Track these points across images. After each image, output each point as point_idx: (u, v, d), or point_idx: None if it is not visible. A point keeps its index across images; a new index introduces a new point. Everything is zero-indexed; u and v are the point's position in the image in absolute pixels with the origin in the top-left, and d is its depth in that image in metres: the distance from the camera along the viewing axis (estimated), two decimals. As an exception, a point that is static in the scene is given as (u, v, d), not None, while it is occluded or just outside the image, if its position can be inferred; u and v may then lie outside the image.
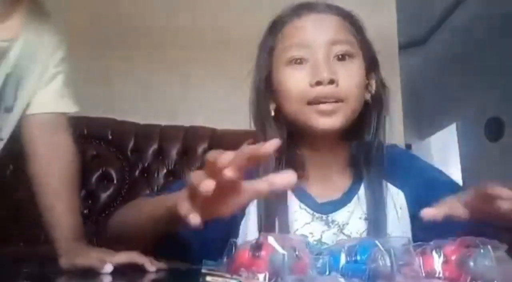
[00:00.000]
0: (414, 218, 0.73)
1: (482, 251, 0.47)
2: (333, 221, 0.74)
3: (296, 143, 0.76)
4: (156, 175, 1.72)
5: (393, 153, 0.80)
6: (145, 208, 0.71)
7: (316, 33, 0.73)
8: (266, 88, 0.77)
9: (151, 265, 0.74)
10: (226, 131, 1.77)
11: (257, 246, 0.48)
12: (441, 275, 0.49)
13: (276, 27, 0.78)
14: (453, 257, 0.49)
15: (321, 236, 0.73)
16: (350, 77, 0.71)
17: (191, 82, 2.09)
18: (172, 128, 1.80)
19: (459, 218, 0.55)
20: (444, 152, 5.08)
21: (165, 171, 1.73)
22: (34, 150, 0.90)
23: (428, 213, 0.55)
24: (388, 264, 0.47)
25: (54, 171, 0.90)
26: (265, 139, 0.66)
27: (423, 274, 0.49)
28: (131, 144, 1.75)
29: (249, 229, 0.74)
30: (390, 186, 0.76)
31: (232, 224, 0.75)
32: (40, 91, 0.89)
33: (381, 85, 0.79)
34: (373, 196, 0.73)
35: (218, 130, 1.79)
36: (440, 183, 0.78)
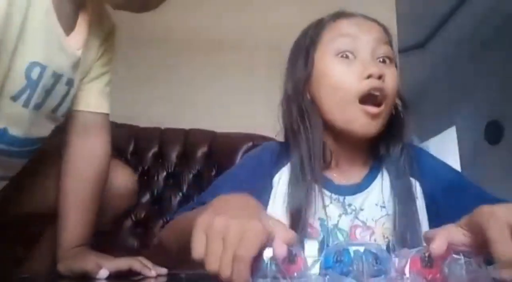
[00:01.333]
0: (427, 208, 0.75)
1: (457, 258, 0.48)
2: (349, 205, 0.74)
3: (324, 133, 0.75)
4: (156, 178, 1.72)
5: (412, 148, 0.81)
6: (180, 224, 0.71)
7: (363, 30, 0.74)
8: (305, 84, 0.76)
9: (150, 271, 0.74)
10: (225, 134, 1.78)
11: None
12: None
13: (321, 24, 0.79)
14: (440, 262, 0.50)
15: (338, 221, 0.73)
16: (391, 79, 0.73)
17: (193, 84, 2.09)
18: (172, 131, 1.80)
19: (461, 245, 0.52)
20: (444, 154, 5.09)
21: (165, 173, 1.73)
22: (74, 148, 0.90)
23: (434, 248, 0.51)
24: (362, 268, 0.49)
25: (87, 172, 0.90)
26: (304, 132, 0.71)
27: (407, 276, 0.50)
28: (131, 147, 1.75)
29: (275, 210, 0.74)
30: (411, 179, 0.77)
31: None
32: (86, 89, 0.88)
33: (400, 96, 0.81)
34: (399, 188, 0.73)
35: (218, 133, 1.79)
36: (455, 184, 0.79)
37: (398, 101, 0.78)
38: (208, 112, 2.02)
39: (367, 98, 0.70)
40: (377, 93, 0.70)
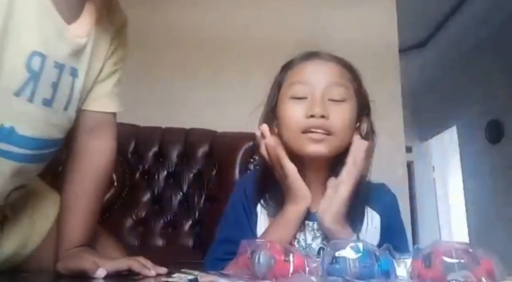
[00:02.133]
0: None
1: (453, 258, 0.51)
2: (317, 229, 0.85)
3: (295, 159, 0.86)
4: (156, 177, 1.72)
5: (381, 188, 0.94)
6: None
7: (317, 76, 0.87)
8: (272, 117, 0.90)
9: (150, 271, 0.74)
10: (226, 133, 1.78)
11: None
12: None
13: (287, 66, 0.93)
14: (438, 262, 0.51)
15: (311, 243, 0.85)
16: (340, 116, 0.84)
17: (194, 84, 2.09)
18: (172, 130, 1.80)
19: None
20: (445, 153, 5.08)
21: (165, 173, 1.74)
22: (80, 146, 0.89)
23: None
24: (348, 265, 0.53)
25: (91, 171, 0.89)
26: (269, 158, 0.85)
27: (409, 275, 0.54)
28: (131, 146, 1.75)
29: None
30: (369, 209, 0.89)
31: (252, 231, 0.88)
32: (96, 88, 0.87)
33: (371, 130, 0.91)
34: (354, 213, 0.85)
35: (218, 132, 1.79)
36: (395, 234, 0.90)
37: (357, 136, 0.87)
38: (209, 111, 2.02)
39: (310, 131, 0.83)
40: (318, 130, 0.82)
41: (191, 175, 1.72)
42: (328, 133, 0.82)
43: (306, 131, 0.82)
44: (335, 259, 0.55)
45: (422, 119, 5.07)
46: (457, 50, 4.11)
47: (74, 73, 0.79)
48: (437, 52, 4.29)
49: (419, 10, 3.44)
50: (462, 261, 0.51)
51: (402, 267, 0.57)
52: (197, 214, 1.66)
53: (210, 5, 2.17)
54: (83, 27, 0.78)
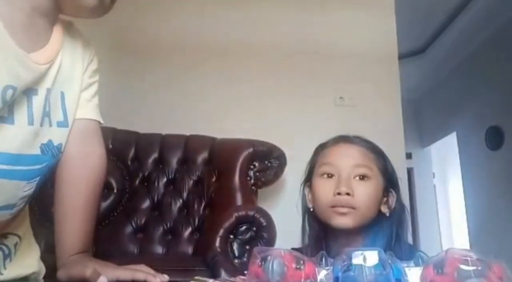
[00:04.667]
0: None
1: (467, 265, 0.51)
2: None
3: (325, 231, 1.00)
4: (156, 184, 1.72)
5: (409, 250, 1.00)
6: None
7: (343, 158, 1.00)
8: (308, 192, 1.04)
9: (155, 279, 0.74)
10: (225, 140, 1.78)
11: None
12: None
13: (320, 148, 1.06)
14: (451, 270, 0.51)
15: None
16: (364, 192, 0.96)
17: (193, 91, 2.09)
18: (172, 137, 1.80)
19: None
20: (445, 160, 5.08)
21: (165, 179, 1.73)
22: (68, 154, 0.89)
23: None
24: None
25: (82, 178, 0.89)
26: (304, 227, 1.02)
27: None
28: (131, 153, 1.75)
29: None
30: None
31: None
32: (80, 100, 0.89)
33: (401, 203, 1.02)
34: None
35: (218, 139, 1.79)
36: None
37: (386, 210, 0.99)
38: (208, 118, 2.02)
39: (337, 206, 0.95)
40: (343, 205, 0.94)
41: (191, 182, 1.72)
42: (353, 207, 0.94)
43: (333, 206, 0.94)
44: (350, 267, 0.55)
45: (422, 126, 5.07)
46: (456, 57, 4.12)
47: (28, 92, 0.80)
48: (436, 58, 4.30)
49: (419, 17, 3.45)
50: (479, 268, 0.51)
51: (410, 275, 0.57)
52: (196, 221, 1.66)
53: (205, 15, 2.17)
54: (48, 54, 0.80)
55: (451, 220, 4.91)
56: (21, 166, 0.78)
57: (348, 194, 0.94)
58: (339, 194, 0.94)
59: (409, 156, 4.44)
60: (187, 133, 1.82)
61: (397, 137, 2.16)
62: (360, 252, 0.56)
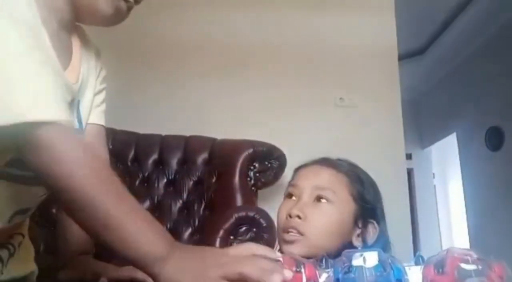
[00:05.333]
0: None
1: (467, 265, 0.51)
2: None
3: None
4: (156, 185, 1.72)
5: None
6: None
7: (307, 179, 0.90)
8: None
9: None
10: (225, 141, 1.78)
11: None
12: None
13: (294, 171, 0.97)
14: (451, 269, 0.51)
15: None
16: (318, 218, 0.85)
17: (193, 92, 2.09)
18: (172, 137, 1.80)
19: None
20: (445, 161, 5.08)
21: (165, 180, 1.73)
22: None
23: None
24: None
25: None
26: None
27: None
28: (131, 154, 1.75)
29: None
30: None
31: None
32: (92, 106, 0.90)
33: (386, 238, 0.89)
34: None
35: (218, 140, 1.79)
36: None
37: (357, 242, 0.87)
38: (208, 119, 2.02)
39: (287, 231, 0.86)
40: (291, 229, 0.85)
41: (191, 183, 1.72)
42: (301, 233, 0.83)
43: (284, 231, 0.85)
44: (350, 269, 0.54)
45: (422, 127, 5.07)
46: (456, 57, 4.12)
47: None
48: (436, 59, 4.30)
49: (418, 17, 3.45)
50: (479, 267, 0.50)
51: (411, 274, 0.57)
52: (197, 222, 1.66)
53: (209, 14, 2.17)
54: (73, 74, 0.79)
55: (451, 220, 4.91)
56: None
57: (299, 217, 0.84)
58: (289, 216, 0.85)
59: (409, 156, 4.44)
60: (187, 134, 1.82)
61: (397, 138, 2.16)
62: (359, 253, 0.56)
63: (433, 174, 5.28)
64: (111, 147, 1.67)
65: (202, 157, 1.74)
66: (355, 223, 0.86)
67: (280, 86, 2.11)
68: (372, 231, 0.87)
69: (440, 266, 0.53)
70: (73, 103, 0.79)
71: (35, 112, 0.58)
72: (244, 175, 1.64)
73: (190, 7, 2.15)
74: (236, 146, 1.70)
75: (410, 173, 4.91)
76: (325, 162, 0.93)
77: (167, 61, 2.10)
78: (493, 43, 3.64)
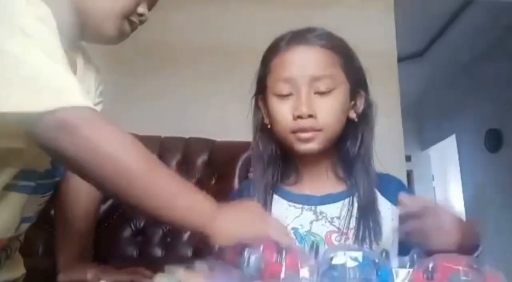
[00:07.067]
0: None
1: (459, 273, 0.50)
2: (321, 213, 0.83)
3: (288, 151, 0.88)
4: (155, 187, 1.72)
5: (389, 177, 0.94)
6: None
7: (301, 70, 0.83)
8: (263, 107, 0.90)
9: None
10: (225, 142, 1.77)
11: None
12: None
13: (270, 55, 0.88)
14: (442, 277, 0.50)
15: (310, 227, 0.82)
16: (328, 110, 0.82)
17: (193, 93, 2.10)
18: (171, 139, 1.80)
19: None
20: (444, 162, 5.08)
21: (164, 182, 1.73)
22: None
23: (405, 199, 0.69)
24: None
25: (82, 187, 0.91)
26: (259, 149, 0.89)
27: None
28: (130, 156, 1.75)
29: None
30: (384, 199, 0.86)
31: None
32: None
33: (368, 103, 0.90)
34: (365, 201, 0.83)
35: (217, 141, 1.79)
36: None
37: (353, 116, 0.87)
38: (208, 120, 2.02)
39: (299, 131, 0.82)
40: (306, 130, 0.81)
41: (190, 184, 1.72)
42: (318, 130, 0.82)
43: (295, 131, 0.82)
44: (332, 266, 0.53)
45: (422, 128, 5.08)
46: (455, 59, 4.13)
47: None
48: (435, 61, 4.31)
49: (417, 20, 3.46)
50: (468, 278, 0.49)
51: (400, 277, 0.56)
52: (196, 224, 1.65)
53: (210, 13, 2.18)
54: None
55: (451, 223, 4.91)
56: (41, 181, 0.80)
57: (310, 116, 0.81)
58: (299, 117, 0.81)
59: (408, 158, 4.44)
60: (186, 135, 1.82)
61: (396, 140, 2.16)
62: (342, 252, 0.54)
63: (432, 175, 5.28)
64: (110, 148, 1.67)
65: (201, 159, 1.74)
66: (349, 99, 0.87)
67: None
68: (360, 100, 0.89)
69: (429, 272, 0.52)
70: None
71: (69, 98, 0.60)
72: (243, 176, 1.63)
73: (195, 10, 2.15)
74: (235, 148, 1.69)
75: (409, 174, 4.91)
76: (307, 41, 0.86)
77: (167, 62, 2.10)
78: (493, 45, 3.65)
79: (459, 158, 4.38)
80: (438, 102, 4.69)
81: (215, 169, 1.70)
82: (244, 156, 1.65)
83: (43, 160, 0.79)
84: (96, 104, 0.94)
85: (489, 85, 3.68)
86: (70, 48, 0.79)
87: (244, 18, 2.17)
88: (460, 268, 0.50)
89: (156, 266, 0.81)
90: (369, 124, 0.89)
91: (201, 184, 1.72)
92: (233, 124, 2.05)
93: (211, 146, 1.77)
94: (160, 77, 2.08)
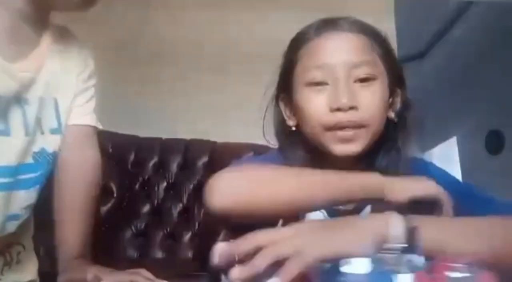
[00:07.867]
0: None
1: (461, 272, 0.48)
2: None
3: (318, 157, 0.74)
4: (156, 188, 1.72)
5: (417, 162, 0.81)
6: None
7: (337, 55, 0.70)
8: (288, 104, 0.76)
9: None
10: (226, 144, 1.78)
11: None
12: None
13: (297, 44, 0.77)
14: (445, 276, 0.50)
15: None
16: (372, 101, 0.69)
17: (194, 95, 2.09)
18: (172, 141, 1.80)
19: None
20: (445, 164, 5.07)
21: (165, 184, 1.73)
22: (64, 160, 0.89)
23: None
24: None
25: (78, 183, 0.90)
26: (285, 155, 0.74)
27: None
28: (131, 157, 1.75)
29: None
30: None
31: None
32: (73, 105, 0.89)
33: (406, 103, 0.76)
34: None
35: (218, 143, 1.79)
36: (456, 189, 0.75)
37: (392, 115, 0.75)
38: (209, 122, 2.02)
39: (338, 128, 0.68)
40: (345, 127, 0.68)
41: (191, 186, 1.72)
42: (360, 126, 0.68)
43: (332, 128, 0.68)
44: (341, 274, 0.50)
45: (422, 130, 5.07)
46: (456, 61, 4.13)
47: (25, 102, 0.80)
48: (436, 63, 4.31)
49: (418, 21, 3.46)
50: (466, 275, 0.49)
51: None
52: (197, 226, 1.65)
53: (204, 13, 2.18)
54: (30, 63, 0.79)
55: (452, 224, 4.91)
56: (19, 176, 0.79)
57: (352, 107, 0.66)
58: (338, 109, 0.67)
59: (409, 160, 4.43)
60: (187, 137, 1.82)
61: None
62: (346, 260, 0.50)
63: (434, 177, 5.28)
64: (111, 150, 1.67)
65: (202, 161, 1.74)
66: (388, 95, 0.73)
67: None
68: (397, 99, 0.75)
69: (428, 271, 0.51)
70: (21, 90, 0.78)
71: None
72: (244, 178, 1.63)
73: (192, 10, 2.15)
74: (236, 149, 1.69)
75: (410, 176, 4.90)
76: (340, 26, 0.74)
77: (168, 64, 2.10)
78: (493, 46, 3.65)
79: (460, 160, 4.37)
80: (439, 103, 4.68)
81: (216, 170, 1.69)
82: (245, 157, 1.65)
83: (12, 154, 0.77)
84: (83, 90, 0.91)
85: (491, 87, 3.68)
86: (26, 24, 0.76)
87: (248, 20, 2.17)
88: (458, 265, 0.49)
89: (157, 267, 0.82)
90: (407, 129, 0.76)
91: (202, 186, 1.72)
92: (234, 126, 2.05)
93: (212, 148, 1.77)
94: (161, 79, 2.08)
